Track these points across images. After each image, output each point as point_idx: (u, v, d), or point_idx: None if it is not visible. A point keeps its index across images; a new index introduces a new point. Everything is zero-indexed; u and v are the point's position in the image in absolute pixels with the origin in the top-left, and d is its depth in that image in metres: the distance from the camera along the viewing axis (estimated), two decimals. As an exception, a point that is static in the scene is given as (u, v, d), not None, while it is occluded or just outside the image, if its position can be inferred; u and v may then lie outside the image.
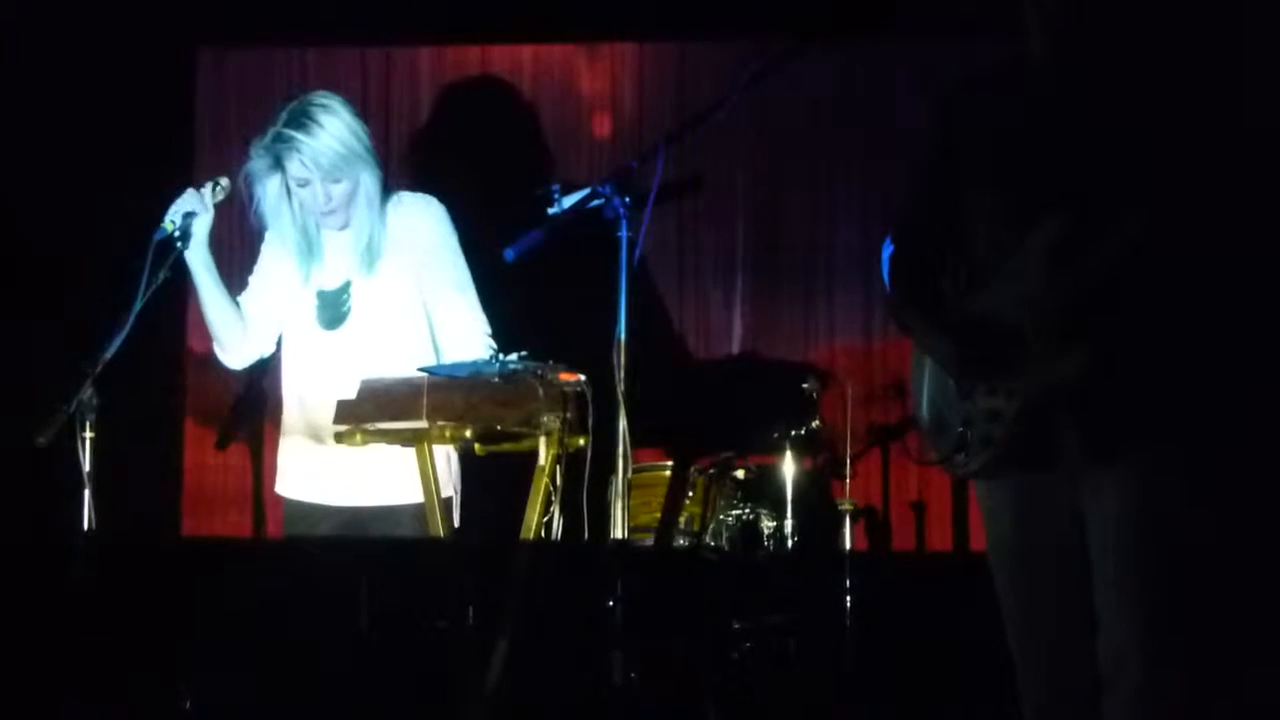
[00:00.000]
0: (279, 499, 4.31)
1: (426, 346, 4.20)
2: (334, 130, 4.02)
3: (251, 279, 4.31)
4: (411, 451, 4.05)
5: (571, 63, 6.05)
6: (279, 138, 4.02)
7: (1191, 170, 2.67)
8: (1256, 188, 2.72)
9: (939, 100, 3.01)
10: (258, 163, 4.08)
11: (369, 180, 4.11)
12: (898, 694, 4.69)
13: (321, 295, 4.21)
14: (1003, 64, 2.93)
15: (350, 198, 4.11)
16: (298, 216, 4.15)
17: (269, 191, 4.12)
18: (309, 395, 4.19)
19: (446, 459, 4.18)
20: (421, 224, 4.20)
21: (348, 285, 4.19)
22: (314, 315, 4.21)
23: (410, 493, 4.14)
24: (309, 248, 4.18)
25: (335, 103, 4.09)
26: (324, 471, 4.18)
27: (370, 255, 4.14)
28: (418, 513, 4.14)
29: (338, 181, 4.07)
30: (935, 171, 2.98)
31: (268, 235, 4.27)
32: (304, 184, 4.07)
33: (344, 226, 4.16)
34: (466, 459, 4.17)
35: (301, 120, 4.02)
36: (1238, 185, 2.69)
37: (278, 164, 4.07)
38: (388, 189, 4.20)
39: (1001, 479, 2.89)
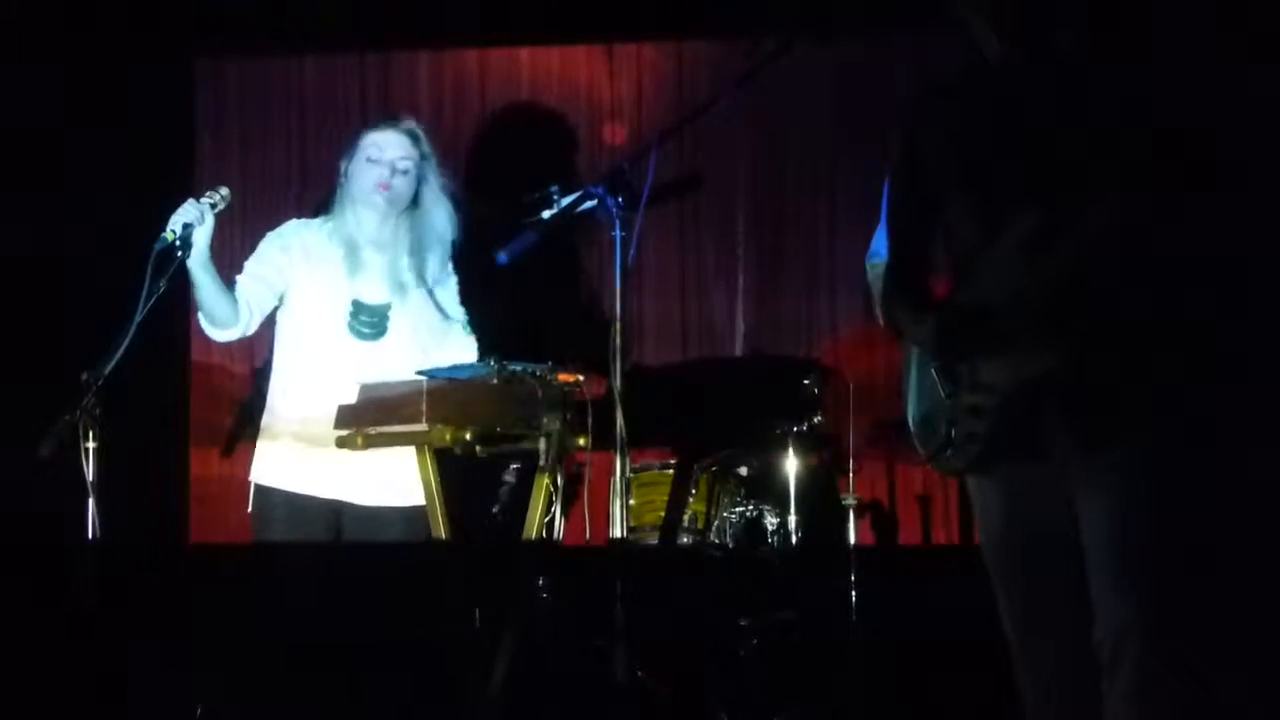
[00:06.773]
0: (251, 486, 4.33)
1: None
2: None
3: (250, 264, 4.36)
4: (401, 458, 4.12)
5: (569, 64, 6.06)
6: None
7: (1162, 156, 2.68)
8: (1231, 170, 2.72)
9: (905, 107, 3.03)
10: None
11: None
12: (904, 689, 4.69)
13: (358, 305, 4.25)
14: (966, 68, 2.94)
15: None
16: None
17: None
18: (322, 397, 4.19)
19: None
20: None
21: (388, 306, 4.27)
22: (346, 323, 4.25)
23: (398, 497, 4.23)
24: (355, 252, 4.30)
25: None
26: (314, 466, 4.20)
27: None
28: (407, 516, 4.21)
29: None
30: (911, 177, 2.99)
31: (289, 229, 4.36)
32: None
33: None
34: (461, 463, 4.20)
35: None
36: (1211, 167, 2.70)
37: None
38: None
39: (991, 474, 2.90)
